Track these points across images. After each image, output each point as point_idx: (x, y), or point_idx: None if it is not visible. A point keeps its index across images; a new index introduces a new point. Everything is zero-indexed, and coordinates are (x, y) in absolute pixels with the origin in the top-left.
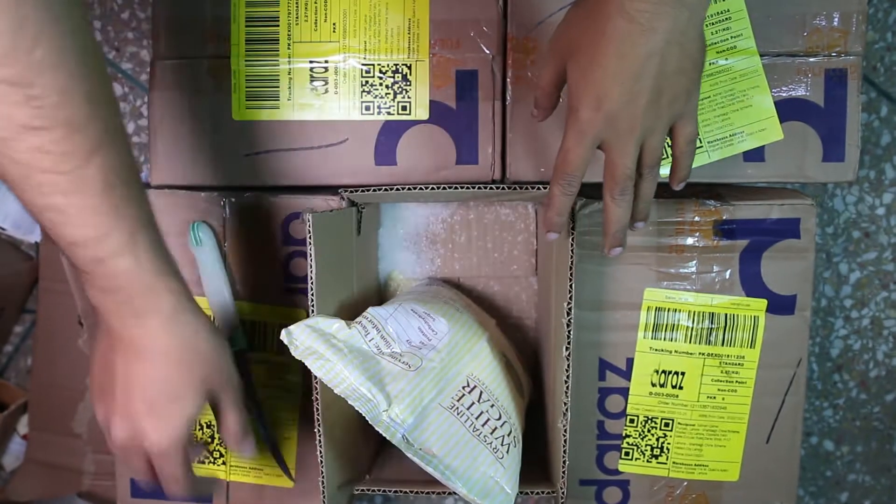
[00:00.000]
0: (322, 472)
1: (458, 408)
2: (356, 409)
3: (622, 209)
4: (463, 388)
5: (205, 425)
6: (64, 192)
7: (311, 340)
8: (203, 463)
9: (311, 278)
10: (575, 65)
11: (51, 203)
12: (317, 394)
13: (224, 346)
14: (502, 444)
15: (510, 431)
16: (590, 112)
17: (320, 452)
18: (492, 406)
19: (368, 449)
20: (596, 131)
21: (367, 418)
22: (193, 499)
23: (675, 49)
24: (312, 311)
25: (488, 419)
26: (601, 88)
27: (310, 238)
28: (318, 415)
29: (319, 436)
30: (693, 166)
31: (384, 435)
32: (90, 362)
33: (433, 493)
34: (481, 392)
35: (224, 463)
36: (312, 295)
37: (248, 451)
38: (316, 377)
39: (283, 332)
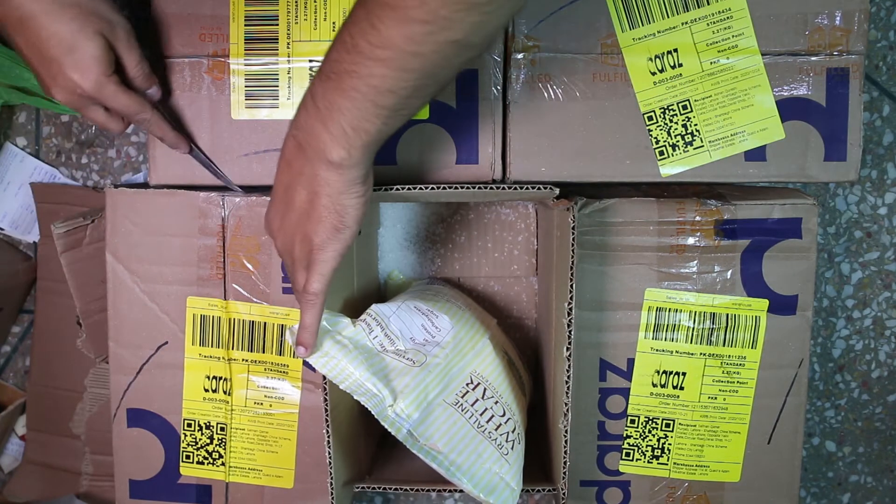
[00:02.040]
0: (330, 469)
1: (462, 404)
2: (362, 404)
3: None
4: (467, 385)
5: (204, 426)
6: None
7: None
8: (202, 465)
9: None
10: None
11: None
12: (325, 394)
13: (116, 12)
14: (507, 441)
15: (514, 428)
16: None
17: (328, 449)
18: (496, 403)
19: (369, 450)
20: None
21: (373, 414)
22: None
23: (306, 195)
24: None
25: (492, 416)
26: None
27: None
28: (326, 414)
29: (328, 433)
30: (694, 166)
31: (390, 431)
32: None
33: (433, 489)
34: (485, 389)
35: (223, 464)
36: None
37: (155, 92)
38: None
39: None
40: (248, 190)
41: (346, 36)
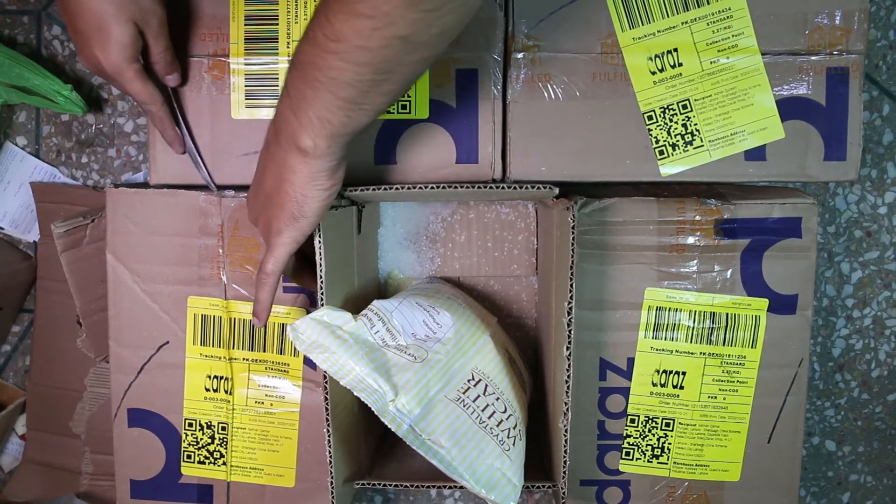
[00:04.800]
0: (331, 468)
1: (463, 400)
2: (363, 400)
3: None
4: (468, 381)
5: (205, 425)
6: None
7: (316, 334)
8: (203, 464)
9: (321, 275)
10: None
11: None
12: (326, 393)
13: (156, 2)
14: (508, 437)
15: (515, 424)
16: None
17: (329, 448)
18: (497, 399)
19: (369, 449)
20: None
21: (373, 410)
22: None
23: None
24: (321, 305)
25: (494, 412)
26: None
27: (318, 234)
28: (326, 412)
29: (328, 432)
30: (694, 165)
31: (390, 427)
32: None
33: (434, 487)
34: (486, 385)
35: (224, 464)
36: (322, 288)
37: (173, 80)
38: (326, 373)
39: (289, 327)
40: (248, 189)
41: (308, 29)
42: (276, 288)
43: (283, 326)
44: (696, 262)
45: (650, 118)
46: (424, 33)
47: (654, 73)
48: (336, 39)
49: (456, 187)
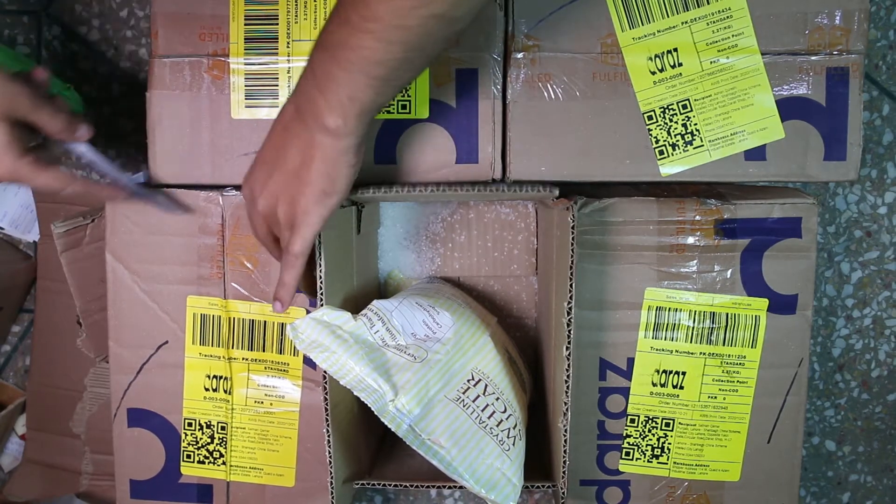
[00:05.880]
0: (330, 467)
1: (463, 400)
2: (362, 400)
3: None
4: (468, 381)
5: (204, 425)
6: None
7: (316, 333)
8: (203, 464)
9: (321, 274)
10: None
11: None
12: (325, 393)
13: (10, 82)
14: (508, 437)
15: (515, 424)
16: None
17: (329, 447)
18: (497, 399)
19: (370, 449)
20: (258, 214)
21: (373, 409)
22: None
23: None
24: (321, 305)
25: (494, 412)
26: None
27: (318, 234)
28: (326, 412)
29: (328, 432)
30: (694, 165)
31: (390, 427)
32: None
33: (433, 487)
34: (486, 385)
35: (224, 463)
36: (321, 288)
37: (84, 134)
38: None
39: (289, 327)
40: None
41: (340, 9)
42: (303, 270)
43: (282, 326)
44: (696, 262)
45: (650, 118)
46: (460, 10)
47: (654, 73)
48: (372, 20)
49: (456, 187)
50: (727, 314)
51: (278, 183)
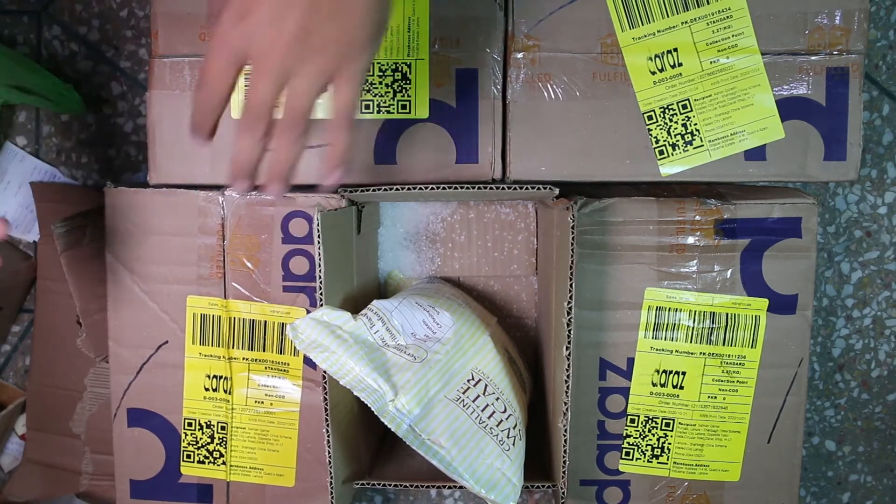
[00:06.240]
0: (330, 467)
1: (463, 400)
2: (362, 400)
3: (246, 143)
4: (468, 381)
5: (205, 425)
6: None
7: (316, 333)
8: (203, 464)
9: (320, 274)
10: None
11: None
12: (325, 393)
13: None
14: (508, 437)
15: (515, 424)
16: (229, 23)
17: (328, 447)
18: (497, 399)
19: (370, 449)
20: (234, 46)
21: (373, 410)
22: None
23: None
24: (320, 305)
25: (494, 412)
26: (248, 1)
27: (318, 235)
28: (326, 412)
29: (328, 432)
30: (694, 165)
31: (390, 427)
32: None
33: (433, 487)
34: (486, 385)
35: (224, 463)
36: (321, 288)
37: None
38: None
39: (289, 327)
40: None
41: None
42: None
43: (282, 326)
44: (695, 262)
45: (650, 118)
46: None
47: (653, 73)
48: None
49: (456, 187)
50: (727, 314)
51: (306, 22)
